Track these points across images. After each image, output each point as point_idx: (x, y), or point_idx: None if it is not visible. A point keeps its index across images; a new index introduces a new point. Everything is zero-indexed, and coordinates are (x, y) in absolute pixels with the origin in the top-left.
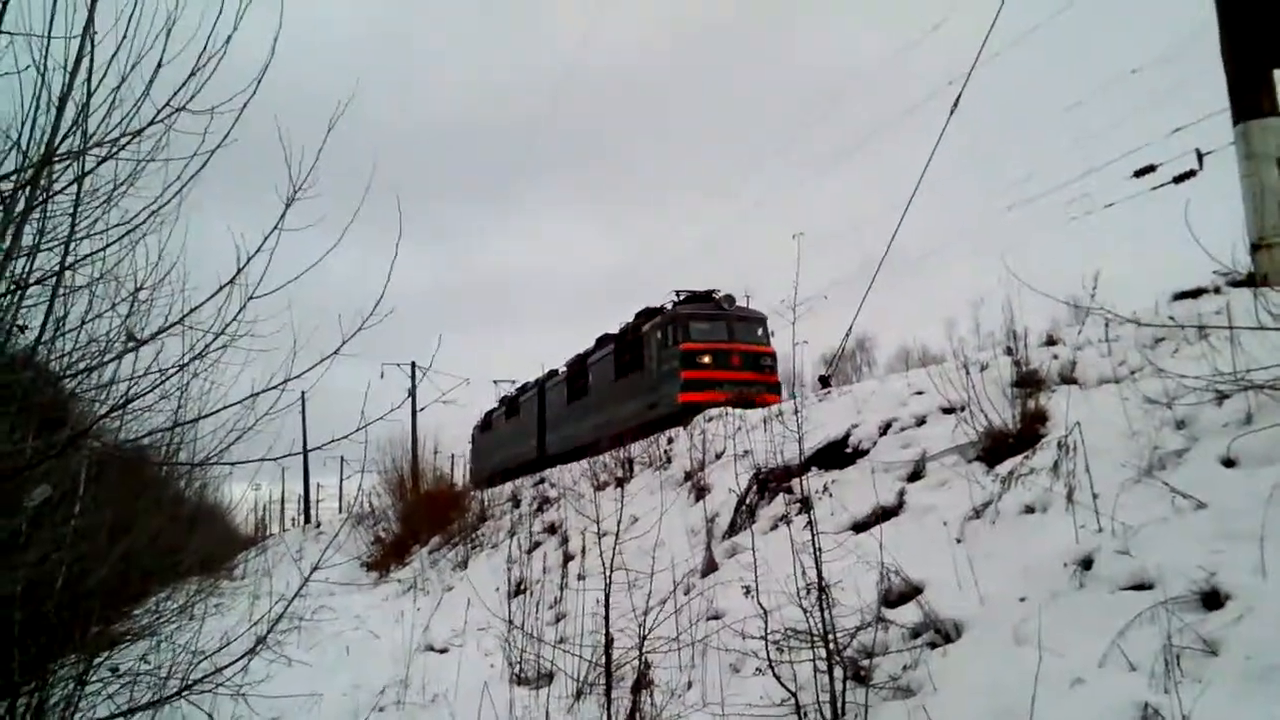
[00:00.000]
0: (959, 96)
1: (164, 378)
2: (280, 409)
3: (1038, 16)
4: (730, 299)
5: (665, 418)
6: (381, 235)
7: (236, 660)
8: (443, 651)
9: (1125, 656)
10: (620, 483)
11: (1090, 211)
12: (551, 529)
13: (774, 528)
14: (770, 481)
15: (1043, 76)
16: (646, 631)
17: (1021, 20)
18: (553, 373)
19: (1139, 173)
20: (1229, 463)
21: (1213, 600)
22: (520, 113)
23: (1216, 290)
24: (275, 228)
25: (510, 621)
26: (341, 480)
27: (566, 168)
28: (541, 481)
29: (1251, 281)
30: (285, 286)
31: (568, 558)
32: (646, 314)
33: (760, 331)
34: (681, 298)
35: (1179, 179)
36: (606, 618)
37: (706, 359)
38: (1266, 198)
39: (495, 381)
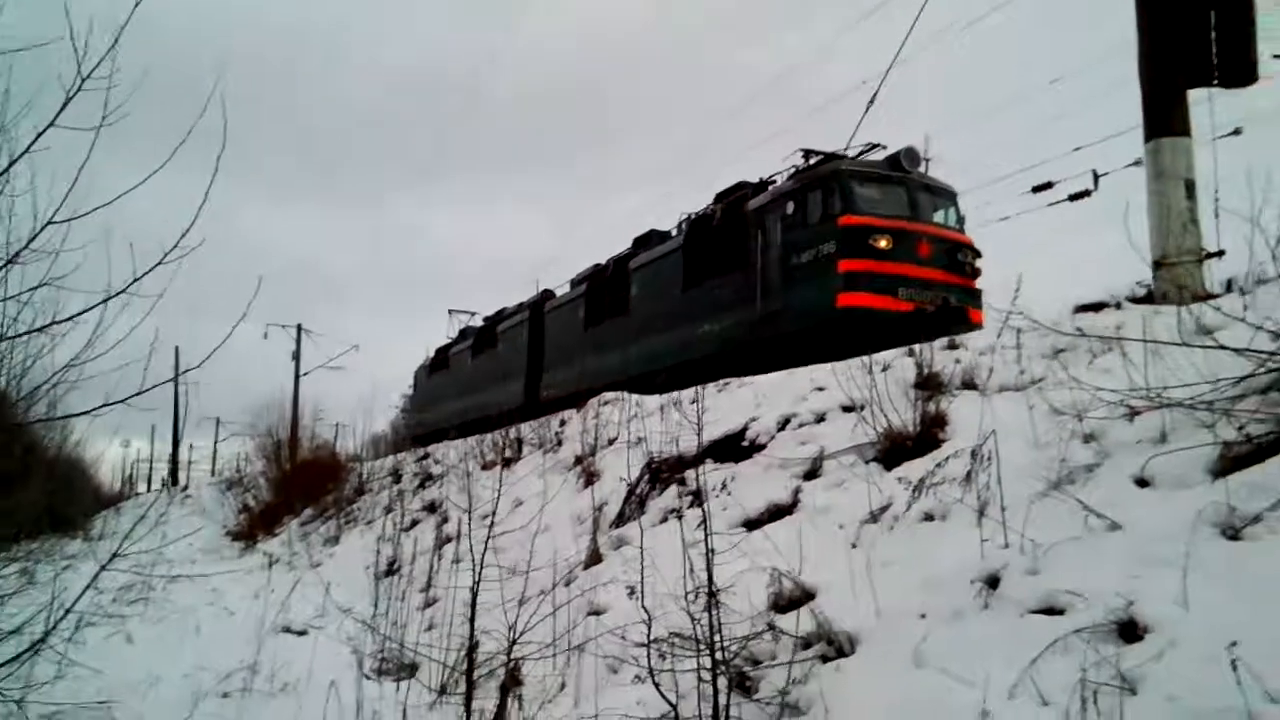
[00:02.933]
0: (874, 94)
1: None
2: (97, 356)
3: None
4: (912, 155)
5: (792, 337)
6: (273, 188)
7: (7, 662)
8: (301, 634)
9: (1037, 689)
10: (507, 463)
11: (985, 224)
12: (431, 507)
13: (664, 520)
14: (663, 471)
15: (976, 71)
16: (518, 635)
17: (958, 14)
18: (547, 294)
19: (1037, 188)
20: (1143, 482)
21: (1130, 632)
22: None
23: (1118, 305)
24: (51, 124)
25: (375, 607)
26: (216, 442)
27: (496, 145)
28: (425, 457)
29: (1150, 299)
30: (95, 212)
31: (444, 539)
32: (746, 190)
33: (953, 213)
34: (812, 162)
35: (1074, 197)
36: (472, 619)
37: (883, 242)
38: (1172, 217)
39: (451, 311)
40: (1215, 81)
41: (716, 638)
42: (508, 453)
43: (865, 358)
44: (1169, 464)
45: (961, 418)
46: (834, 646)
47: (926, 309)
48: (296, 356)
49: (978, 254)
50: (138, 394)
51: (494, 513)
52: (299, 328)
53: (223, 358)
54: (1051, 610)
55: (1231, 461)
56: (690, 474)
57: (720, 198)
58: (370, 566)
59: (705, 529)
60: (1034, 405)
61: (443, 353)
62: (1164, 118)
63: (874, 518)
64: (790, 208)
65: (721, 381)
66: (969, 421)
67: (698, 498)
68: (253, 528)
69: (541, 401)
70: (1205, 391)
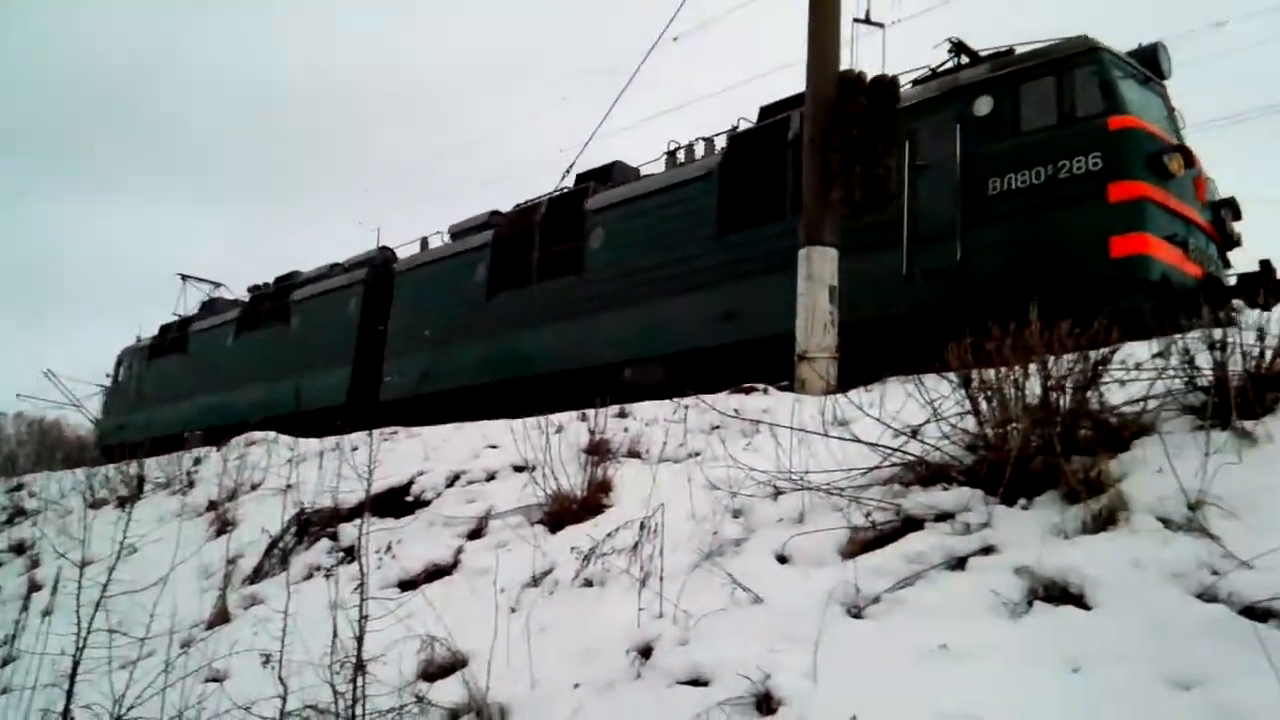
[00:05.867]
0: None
1: None
2: None
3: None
4: (1166, 56)
5: (986, 309)
6: None
7: None
8: None
9: None
10: (123, 502)
11: None
12: (20, 549)
13: (309, 577)
14: (314, 524)
15: None
16: (125, 711)
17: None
18: (388, 252)
19: None
20: (783, 559)
21: (766, 705)
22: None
23: (765, 391)
24: None
25: None
26: None
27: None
28: (19, 488)
29: (791, 387)
30: None
31: (34, 586)
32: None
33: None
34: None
35: None
36: (70, 690)
37: (1175, 165)
38: (816, 316)
39: (185, 277)
40: (857, 205)
41: (358, 710)
42: (124, 490)
43: (540, 419)
44: (807, 543)
45: (625, 485)
46: (484, 718)
47: (1221, 281)
48: None
49: (1238, 214)
50: None
51: (114, 565)
52: None
53: None
54: (698, 681)
55: (859, 545)
56: (343, 528)
57: (766, 113)
58: None
59: (362, 590)
60: (692, 478)
61: (178, 329)
62: (817, 229)
63: (535, 581)
64: (984, 106)
65: (387, 430)
66: (631, 489)
67: (350, 554)
68: None
69: (383, 403)
70: (839, 478)
